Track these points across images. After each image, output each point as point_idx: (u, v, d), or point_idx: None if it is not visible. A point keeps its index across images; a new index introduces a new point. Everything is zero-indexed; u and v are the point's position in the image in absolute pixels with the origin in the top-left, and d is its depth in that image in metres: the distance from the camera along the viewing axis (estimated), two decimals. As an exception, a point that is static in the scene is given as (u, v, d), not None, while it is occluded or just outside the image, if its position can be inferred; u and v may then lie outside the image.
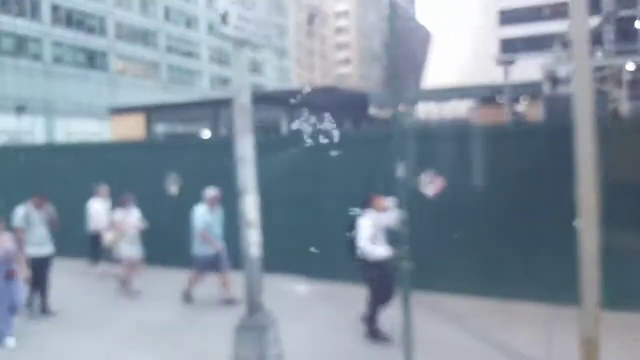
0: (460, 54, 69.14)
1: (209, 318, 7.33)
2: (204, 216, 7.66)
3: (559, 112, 32.05)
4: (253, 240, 5.27)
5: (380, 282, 6.09)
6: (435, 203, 7.57)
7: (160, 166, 10.05)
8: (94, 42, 46.44)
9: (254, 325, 5.14)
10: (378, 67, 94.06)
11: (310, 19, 78.32)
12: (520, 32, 53.57)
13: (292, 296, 8.17)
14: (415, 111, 44.60)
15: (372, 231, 6.09)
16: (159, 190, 9.89)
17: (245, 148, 5.33)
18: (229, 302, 7.60)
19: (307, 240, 8.45)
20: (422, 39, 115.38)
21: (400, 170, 4.80)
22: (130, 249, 8.36)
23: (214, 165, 8.89)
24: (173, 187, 9.90)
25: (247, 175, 5.31)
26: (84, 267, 9.80)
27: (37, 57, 42.00)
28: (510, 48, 53.63)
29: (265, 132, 28.57)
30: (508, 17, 56.38)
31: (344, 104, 34.62)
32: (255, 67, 67.59)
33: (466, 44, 69.74)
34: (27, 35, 41.14)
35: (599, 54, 42.61)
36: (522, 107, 40.90)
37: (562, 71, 44.58)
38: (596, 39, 44.55)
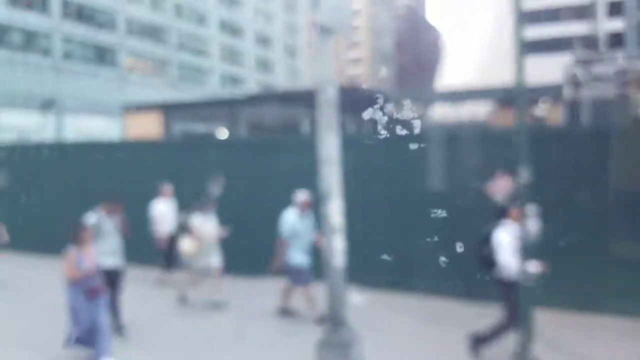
0: (476, 56, 68.15)
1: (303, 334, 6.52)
2: (293, 222, 6.88)
3: (581, 116, 31.11)
4: (337, 248, 4.94)
5: (517, 301, 5.53)
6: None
7: (202, 166, 9.32)
8: (104, 38, 45.66)
9: (338, 341, 4.82)
10: (389, 67, 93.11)
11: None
12: (537, 34, 52.58)
13: (371, 310, 7.39)
14: (429, 112, 43.74)
15: (514, 245, 5.59)
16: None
17: (331, 147, 4.95)
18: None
19: (378, 247, 7.79)
20: (432, 40, 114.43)
21: (524, 176, 4.51)
22: (208, 259, 7.62)
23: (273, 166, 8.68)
24: (216, 189, 9.04)
25: (333, 176, 4.97)
26: (155, 275, 9.00)
27: (46, 52, 41.27)
28: (527, 49, 52.57)
29: (286, 131, 27.86)
30: (525, 18, 55.34)
31: (365, 103, 33.74)
32: (266, 66, 66.73)
33: (481, 45, 68.76)
34: (36, 30, 40.40)
35: (620, 57, 41.56)
36: (542, 110, 39.93)
37: (583, 74, 43.49)
38: (617, 42, 43.58)
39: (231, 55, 60.61)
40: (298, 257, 6.87)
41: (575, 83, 38.45)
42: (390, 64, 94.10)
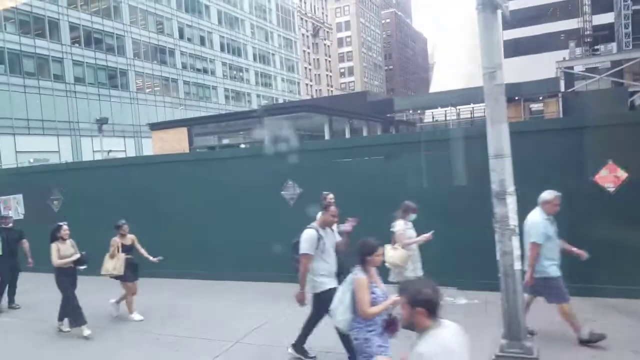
0: (462, 59, 69.85)
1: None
2: (544, 227, 5.45)
3: (578, 108, 32.46)
4: (514, 250, 4.44)
5: None
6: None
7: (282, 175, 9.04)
8: (114, 60, 46.79)
9: (518, 356, 4.28)
10: (380, 76, 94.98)
11: (316, 32, 79.20)
12: (524, 33, 54.09)
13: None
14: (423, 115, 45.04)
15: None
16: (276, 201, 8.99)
17: (502, 141, 4.44)
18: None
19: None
20: (419, 46, 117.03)
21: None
22: (415, 269, 6.57)
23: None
24: (290, 197, 9.01)
25: (506, 171, 4.41)
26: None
27: (58, 77, 42.22)
28: (514, 49, 54.20)
29: (311, 138, 29.05)
30: (516, 17, 56.93)
31: (374, 108, 35.49)
32: (267, 81, 68.22)
33: (466, 48, 70.40)
34: (47, 55, 41.40)
35: (613, 48, 43.41)
36: (539, 105, 41.41)
37: (577, 68, 45.33)
38: (610, 34, 45.30)
39: (234, 74, 62.01)
40: (553, 267, 5.50)
41: (568, 77, 40.21)
42: (381, 72, 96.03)
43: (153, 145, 26.46)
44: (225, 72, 60.96)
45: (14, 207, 11.96)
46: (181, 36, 54.84)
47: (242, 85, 63.48)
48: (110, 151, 41.79)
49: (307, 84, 76.84)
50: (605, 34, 43.82)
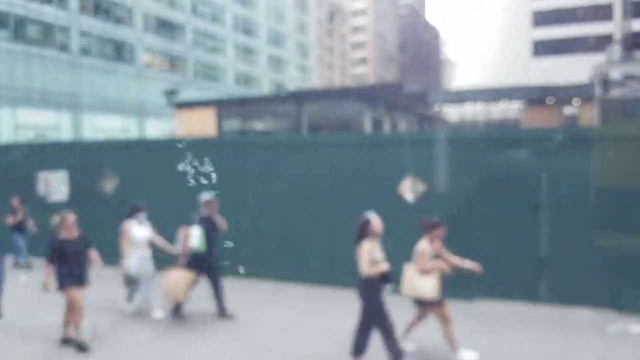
0: (488, 56, 67.83)
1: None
2: None
3: (616, 115, 30.67)
4: None
5: None
6: None
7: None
8: (122, 33, 43.87)
9: None
10: (393, 68, 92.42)
11: (331, 17, 76.32)
12: (555, 34, 52.29)
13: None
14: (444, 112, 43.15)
15: None
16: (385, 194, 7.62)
17: None
18: None
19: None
20: (432, 40, 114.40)
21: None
22: None
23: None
24: (410, 192, 7.60)
25: None
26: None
27: (63, 47, 39.35)
28: (543, 49, 52.53)
29: (350, 129, 26.74)
30: (541, 18, 55.04)
31: (408, 101, 33.15)
32: (279, 66, 65.42)
33: (493, 45, 68.51)
34: (53, 23, 38.50)
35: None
36: (573, 109, 39.56)
37: (615, 73, 43.24)
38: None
39: (245, 54, 59.19)
40: None
41: (607, 82, 38.22)
42: (395, 64, 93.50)
43: (178, 126, 23.97)
44: (237, 53, 58.12)
45: (56, 185, 10.36)
46: (194, 12, 51.88)
47: (252, 69, 60.65)
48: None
49: (319, 71, 74.07)
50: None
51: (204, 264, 6.64)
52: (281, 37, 65.50)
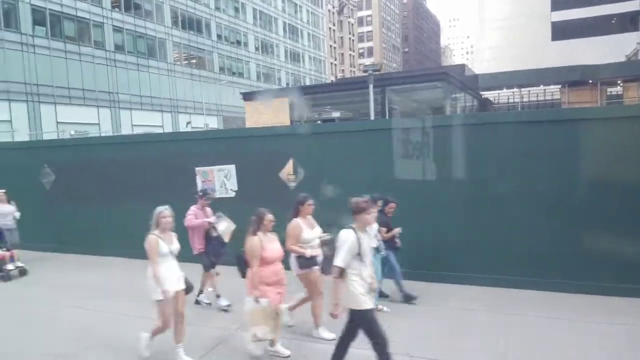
0: (513, 41, 67.80)
1: None
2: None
3: None
4: None
5: None
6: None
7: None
8: (153, 28, 43.75)
9: None
10: (398, 58, 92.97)
11: (341, 9, 76.51)
12: (575, 15, 52.43)
13: None
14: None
15: None
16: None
17: None
18: None
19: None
20: (432, 28, 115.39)
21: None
22: None
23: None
24: None
25: None
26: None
27: (98, 44, 39.13)
28: (563, 32, 52.71)
29: (429, 113, 27.10)
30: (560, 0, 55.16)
31: (469, 82, 33.47)
32: (296, 57, 65.55)
33: (517, 30, 68.39)
34: (88, 19, 38.27)
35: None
36: (618, 89, 39.58)
37: (647, 51, 43.18)
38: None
39: (265, 47, 59.25)
40: None
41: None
42: (399, 53, 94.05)
43: (247, 118, 24.11)
44: (257, 47, 58.15)
45: (220, 181, 9.03)
46: (217, 8, 51.82)
47: (272, 61, 60.71)
48: (188, 123, 39.77)
49: (331, 63, 74.35)
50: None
51: None
52: (296, 30, 65.59)
